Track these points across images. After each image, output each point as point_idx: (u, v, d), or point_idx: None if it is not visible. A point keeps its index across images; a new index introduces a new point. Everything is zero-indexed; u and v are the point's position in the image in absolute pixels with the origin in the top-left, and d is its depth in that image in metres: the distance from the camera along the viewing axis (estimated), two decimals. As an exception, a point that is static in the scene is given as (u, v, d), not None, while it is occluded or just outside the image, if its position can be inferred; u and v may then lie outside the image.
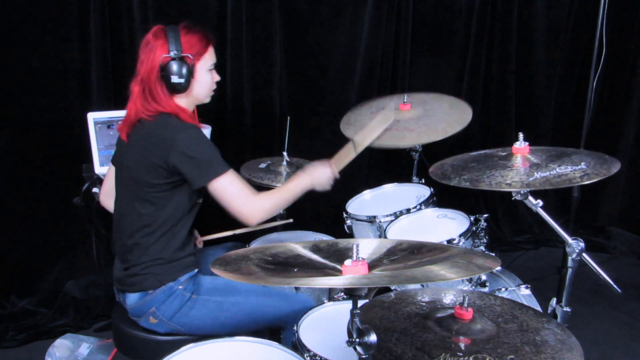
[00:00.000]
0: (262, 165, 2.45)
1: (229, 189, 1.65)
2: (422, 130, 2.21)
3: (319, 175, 1.82)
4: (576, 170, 1.48)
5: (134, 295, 1.71)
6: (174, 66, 1.64)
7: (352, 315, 1.07)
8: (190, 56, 1.67)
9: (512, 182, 1.49)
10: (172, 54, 1.64)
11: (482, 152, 1.77)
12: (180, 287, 1.71)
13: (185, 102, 1.74)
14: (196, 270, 1.78)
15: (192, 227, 1.78)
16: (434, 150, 2.36)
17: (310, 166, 1.85)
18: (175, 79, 1.65)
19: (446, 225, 2.09)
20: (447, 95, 2.42)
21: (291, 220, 2.37)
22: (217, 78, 1.79)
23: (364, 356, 1.07)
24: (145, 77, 1.66)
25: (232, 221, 1.73)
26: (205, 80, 1.74)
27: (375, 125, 2.01)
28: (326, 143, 3.20)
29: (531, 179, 1.48)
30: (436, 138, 2.19)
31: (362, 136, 1.97)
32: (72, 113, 2.54)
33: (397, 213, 2.16)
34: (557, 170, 1.50)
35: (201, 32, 1.72)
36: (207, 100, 1.80)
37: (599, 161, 1.53)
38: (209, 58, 1.74)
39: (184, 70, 1.65)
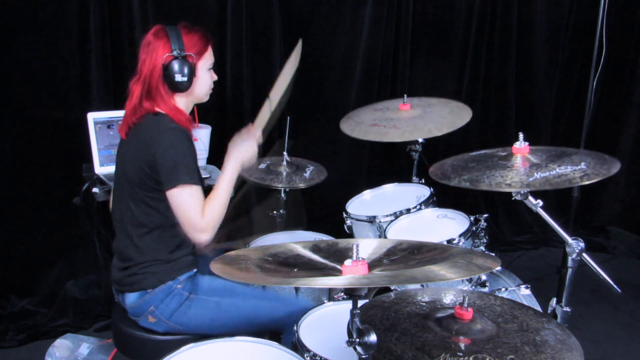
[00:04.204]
0: (262, 166, 2.45)
1: (183, 205, 1.60)
2: (406, 129, 2.24)
3: (244, 153, 1.78)
4: (576, 170, 1.48)
5: (133, 294, 1.71)
6: (177, 65, 1.66)
7: (352, 315, 1.07)
8: (192, 55, 1.69)
9: (512, 182, 1.49)
10: (174, 52, 1.65)
11: (482, 152, 1.77)
12: (178, 286, 1.71)
13: (184, 101, 1.76)
14: (195, 270, 1.78)
15: None
16: (434, 150, 2.36)
17: (232, 145, 1.79)
18: (178, 78, 1.66)
19: (446, 225, 2.09)
20: (453, 102, 2.44)
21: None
22: (215, 77, 1.82)
23: (364, 356, 1.07)
24: (147, 76, 1.67)
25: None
26: (205, 79, 1.77)
27: (284, 76, 2.02)
28: (326, 143, 3.20)
29: (531, 179, 1.48)
30: (419, 137, 2.29)
31: (275, 91, 1.97)
32: (72, 113, 2.54)
33: (397, 213, 2.16)
34: (557, 170, 1.49)
35: (201, 31, 1.74)
36: (206, 99, 1.82)
37: (599, 161, 1.53)
38: (209, 57, 1.77)
39: (187, 69, 1.67)
